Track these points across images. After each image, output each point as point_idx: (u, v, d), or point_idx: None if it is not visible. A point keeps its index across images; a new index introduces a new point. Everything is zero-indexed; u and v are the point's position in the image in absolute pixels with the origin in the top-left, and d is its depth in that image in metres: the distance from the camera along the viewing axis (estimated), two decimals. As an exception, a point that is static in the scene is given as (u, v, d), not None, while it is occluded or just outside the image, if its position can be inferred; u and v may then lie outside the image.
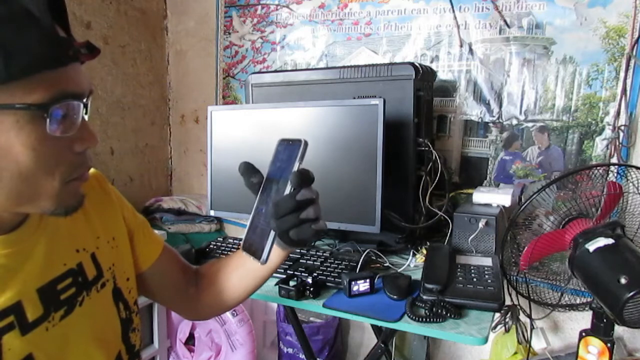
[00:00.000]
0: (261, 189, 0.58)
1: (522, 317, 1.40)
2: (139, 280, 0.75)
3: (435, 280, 0.99)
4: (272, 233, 0.56)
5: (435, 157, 1.29)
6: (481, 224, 1.18)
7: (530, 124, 1.45)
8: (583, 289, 1.01)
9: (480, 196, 1.30)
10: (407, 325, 0.93)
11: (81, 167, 0.53)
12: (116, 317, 0.66)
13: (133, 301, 0.71)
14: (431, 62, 1.55)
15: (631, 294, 0.78)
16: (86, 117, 0.53)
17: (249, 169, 0.60)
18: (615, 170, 1.06)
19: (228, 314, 1.74)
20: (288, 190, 0.55)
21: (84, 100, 0.51)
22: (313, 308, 1.04)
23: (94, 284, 0.62)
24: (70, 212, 0.54)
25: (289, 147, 0.57)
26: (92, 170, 0.71)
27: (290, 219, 0.55)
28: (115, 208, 0.71)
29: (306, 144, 0.56)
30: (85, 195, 0.57)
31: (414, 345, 1.67)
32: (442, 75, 1.54)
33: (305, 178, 0.55)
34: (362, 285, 1.02)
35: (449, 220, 1.25)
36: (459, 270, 1.07)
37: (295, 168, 0.55)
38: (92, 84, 0.53)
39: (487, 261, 1.12)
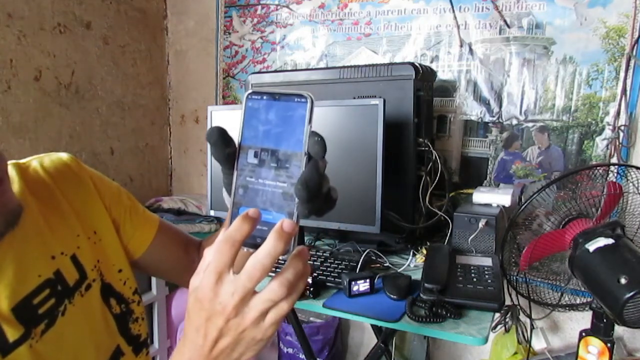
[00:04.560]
0: (238, 162, 0.43)
1: (522, 317, 1.40)
2: (137, 265, 0.72)
3: (435, 280, 0.99)
4: (295, 216, 0.42)
5: (435, 157, 1.29)
6: (481, 224, 1.18)
7: (530, 124, 1.45)
8: (583, 289, 1.01)
9: (480, 196, 1.30)
10: (407, 325, 0.93)
11: None
12: (108, 316, 0.64)
13: (131, 291, 0.69)
14: (431, 62, 1.55)
15: (631, 294, 0.78)
16: None
17: (224, 137, 0.43)
18: (615, 170, 1.06)
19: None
20: (303, 162, 0.42)
21: None
22: (313, 308, 1.04)
23: (77, 288, 0.60)
24: None
25: (281, 106, 0.43)
26: (65, 155, 0.67)
27: (320, 199, 0.43)
28: (94, 198, 0.67)
29: (312, 101, 0.42)
30: (14, 210, 0.52)
31: (414, 345, 1.67)
32: (442, 75, 1.53)
33: (325, 147, 0.42)
34: (362, 285, 1.02)
35: (449, 220, 1.25)
36: (459, 270, 1.07)
37: (306, 133, 0.42)
38: None
39: (487, 261, 1.12)
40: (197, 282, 0.41)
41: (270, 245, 0.38)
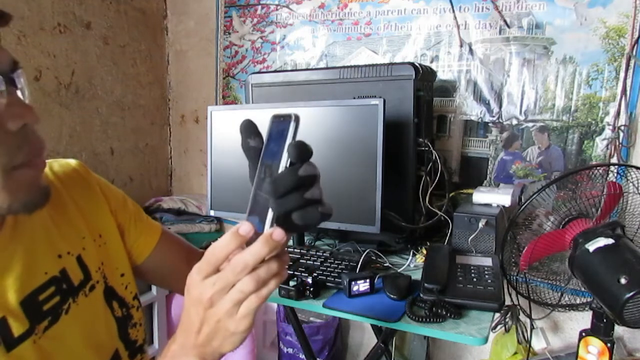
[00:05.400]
0: (259, 164, 0.48)
1: (522, 317, 1.40)
2: (138, 272, 0.73)
3: (435, 280, 0.99)
4: (270, 214, 0.46)
5: (435, 157, 1.29)
6: (481, 224, 1.18)
7: (530, 124, 1.45)
8: (583, 289, 1.01)
9: (480, 196, 1.30)
10: (407, 325, 0.93)
11: (23, 150, 0.48)
12: (110, 318, 0.65)
13: (132, 296, 0.70)
14: (431, 62, 1.55)
15: (631, 294, 0.78)
16: (20, 94, 0.49)
17: (249, 128, 0.49)
18: (615, 170, 1.06)
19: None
20: (285, 167, 0.47)
21: (8, 74, 0.47)
22: (313, 308, 1.04)
23: (81, 288, 0.61)
24: (31, 208, 0.50)
25: (281, 124, 0.48)
26: (73, 161, 0.69)
27: (294, 199, 0.45)
28: (100, 202, 0.69)
29: (297, 119, 0.47)
30: (48, 187, 0.52)
31: (414, 345, 1.67)
32: (442, 75, 1.53)
33: (304, 150, 0.45)
34: (362, 285, 1.02)
35: (449, 220, 1.25)
36: (459, 270, 1.07)
37: (286, 149, 0.47)
38: (14, 57, 0.49)
39: (487, 261, 1.12)
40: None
41: (256, 248, 0.43)
